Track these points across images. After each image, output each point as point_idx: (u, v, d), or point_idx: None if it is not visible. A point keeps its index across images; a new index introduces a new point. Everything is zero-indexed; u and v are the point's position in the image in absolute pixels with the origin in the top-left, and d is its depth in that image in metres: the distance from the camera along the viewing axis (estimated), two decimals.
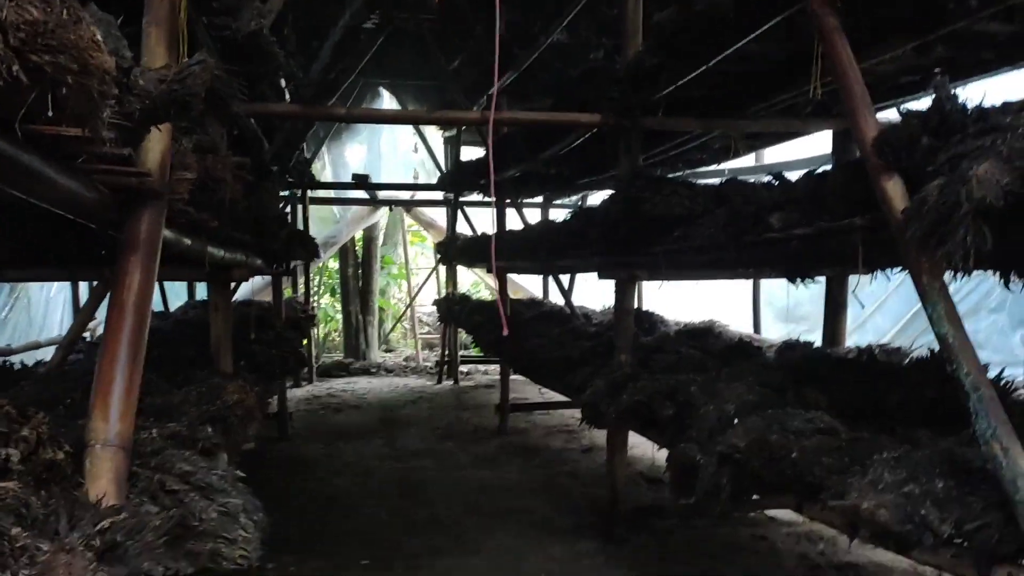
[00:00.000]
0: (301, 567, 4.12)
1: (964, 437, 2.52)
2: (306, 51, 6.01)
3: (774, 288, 7.89)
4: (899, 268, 3.79)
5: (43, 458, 1.59)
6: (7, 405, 1.66)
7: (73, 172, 1.68)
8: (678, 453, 3.26)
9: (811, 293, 6.06)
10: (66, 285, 7.61)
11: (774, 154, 8.09)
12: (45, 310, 8.09)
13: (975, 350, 2.10)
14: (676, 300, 10.20)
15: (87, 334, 5.70)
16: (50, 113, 1.12)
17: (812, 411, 3.03)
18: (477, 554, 4.35)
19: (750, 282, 7.15)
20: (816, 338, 5.16)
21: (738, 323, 7.53)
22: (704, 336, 5.85)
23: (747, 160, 8.01)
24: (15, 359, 4.49)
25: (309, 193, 9.82)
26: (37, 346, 6.67)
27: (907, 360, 3.92)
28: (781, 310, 8.94)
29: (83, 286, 7.10)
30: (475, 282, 14.91)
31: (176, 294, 9.23)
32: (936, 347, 3.39)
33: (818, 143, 6.40)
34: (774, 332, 7.87)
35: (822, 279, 4.84)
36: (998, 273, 2.56)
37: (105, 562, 1.46)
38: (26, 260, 3.53)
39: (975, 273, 2.09)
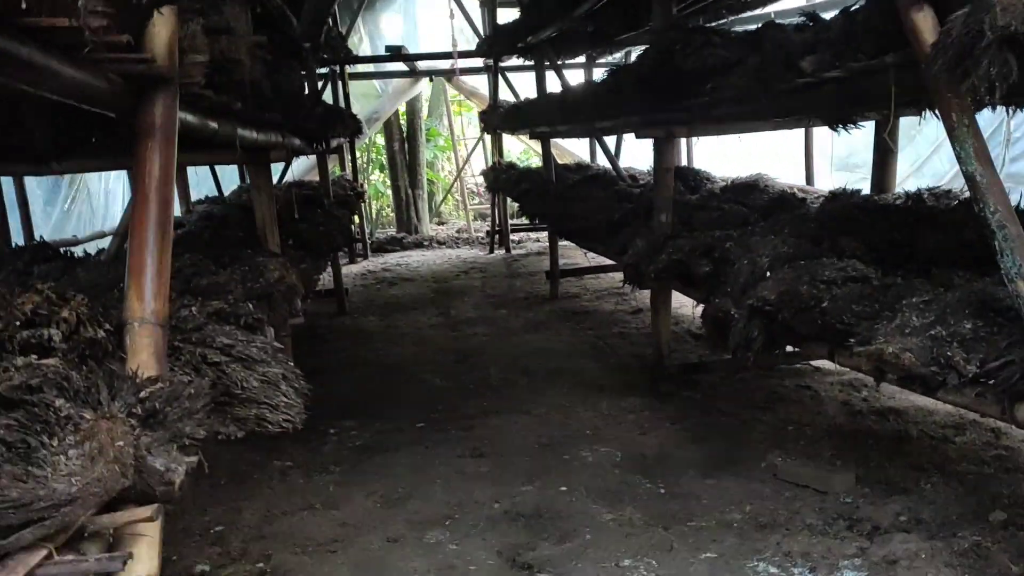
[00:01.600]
0: (361, 431, 4.37)
1: (999, 278, 2.48)
2: None
3: (828, 137, 7.61)
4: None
5: (84, 337, 1.70)
6: (47, 289, 1.77)
7: (77, 62, 1.71)
8: (711, 308, 3.30)
9: (866, 140, 5.83)
10: (123, 175, 7.80)
11: None
12: (106, 200, 8.34)
13: (1004, 187, 2.03)
14: (731, 154, 9.95)
15: None
16: (23, 4, 1.14)
17: (846, 260, 3.01)
18: (528, 413, 4.54)
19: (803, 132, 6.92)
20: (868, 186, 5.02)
21: (793, 175, 7.33)
22: (750, 191, 5.74)
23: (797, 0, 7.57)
24: (79, 249, 4.69)
25: (347, 68, 9.70)
26: (101, 235, 6.93)
27: (954, 203, 3.80)
28: (836, 159, 8.66)
29: None
30: (525, 150, 14.75)
31: (230, 179, 9.42)
32: None
33: None
34: (828, 182, 7.65)
35: (870, 124, 4.65)
36: None
37: (147, 428, 1.59)
38: (70, 151, 3.64)
39: None
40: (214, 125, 2.95)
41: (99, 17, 1.48)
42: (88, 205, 8.01)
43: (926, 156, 7.30)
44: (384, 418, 4.56)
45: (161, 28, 2.07)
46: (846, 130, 3.96)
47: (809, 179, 6.98)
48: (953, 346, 2.25)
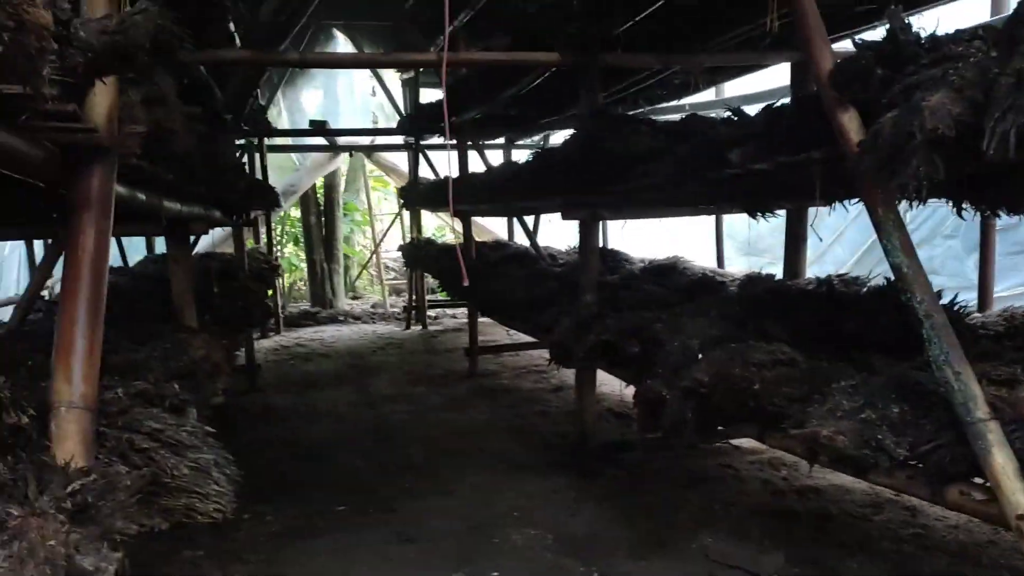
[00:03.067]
0: (277, 516, 4.16)
1: (918, 362, 2.60)
2: None
3: (736, 222, 8.00)
4: (857, 200, 3.87)
5: (6, 423, 1.57)
6: None
7: (16, 130, 1.63)
8: (644, 389, 3.33)
9: (771, 226, 6.13)
10: (20, 243, 7.43)
11: (734, 88, 8.09)
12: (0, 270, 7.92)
13: (928, 278, 2.15)
14: (642, 238, 10.31)
15: (45, 292, 5.59)
16: None
17: (773, 343, 3.10)
18: (451, 494, 4.43)
19: (713, 217, 7.22)
20: (777, 270, 5.25)
21: (702, 258, 7.62)
22: (669, 273, 5.91)
23: (707, 95, 7.99)
24: None
25: (266, 141, 9.63)
26: None
27: (864, 289, 4.00)
28: (743, 244, 9.06)
29: (38, 243, 6.96)
30: (440, 226, 14.84)
31: (135, 248, 9.08)
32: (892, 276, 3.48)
33: (777, 75, 6.41)
34: (737, 265, 7.98)
35: (782, 212, 4.90)
36: (951, 202, 2.62)
37: (78, 524, 1.47)
38: None
39: (930, 202, 2.14)
40: (142, 196, 2.85)
41: (53, 85, 1.42)
42: None
43: (828, 244, 7.71)
44: (302, 502, 4.36)
45: (101, 97, 2.00)
46: (764, 218, 4.15)
47: (720, 262, 7.26)
48: (883, 429, 2.33)
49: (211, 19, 4.71)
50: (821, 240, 2.68)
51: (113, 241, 8.32)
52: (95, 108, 1.98)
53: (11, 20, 1.02)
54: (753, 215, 4.15)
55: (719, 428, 3.22)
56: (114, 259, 8.26)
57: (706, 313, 3.63)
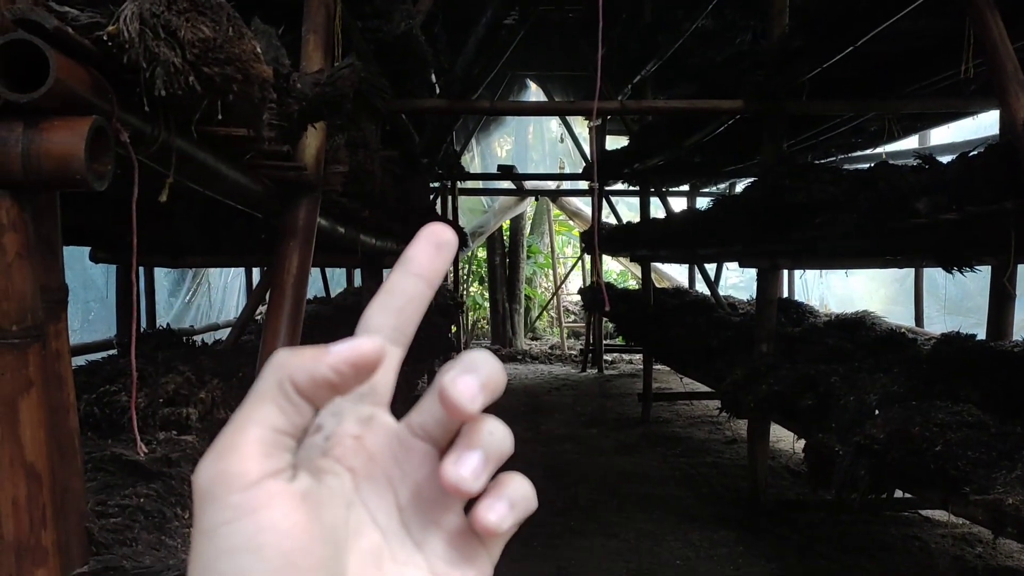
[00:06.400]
0: None
1: None
2: (457, 47, 6.25)
3: (940, 279, 7.46)
4: None
5: (217, 418, 1.82)
6: (188, 372, 1.91)
7: (241, 167, 1.90)
8: (815, 443, 3.21)
9: (980, 284, 5.64)
10: (241, 271, 8.29)
11: (942, 135, 7.63)
12: (223, 295, 8.84)
13: None
14: (839, 291, 9.86)
15: (259, 316, 6.20)
16: (219, 116, 1.31)
17: (961, 404, 2.90)
18: (616, 537, 4.44)
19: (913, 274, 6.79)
20: (983, 332, 4.85)
21: (901, 318, 7.15)
22: (855, 328, 5.62)
23: (910, 142, 7.58)
24: (196, 338, 4.97)
25: (458, 184, 10.17)
26: (216, 327, 7.32)
27: None
28: (948, 302, 8.41)
29: (256, 272, 7.72)
30: (622, 271, 14.91)
31: (337, 282, 9.86)
32: None
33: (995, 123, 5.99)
34: (939, 325, 7.42)
35: (986, 268, 4.54)
36: None
37: None
38: (203, 247, 3.92)
39: None
40: (341, 230, 3.15)
41: (271, 129, 1.66)
42: (207, 298, 8.52)
43: None
44: None
45: (312, 140, 2.28)
46: (960, 272, 3.88)
47: (919, 320, 6.80)
48: None
49: (414, 71, 5.13)
50: (1013, 296, 2.44)
51: (318, 274, 9.13)
52: (306, 150, 2.27)
53: (239, 74, 1.23)
54: (949, 270, 3.89)
55: (897, 490, 3.04)
56: (319, 290, 9.01)
57: (889, 370, 3.45)
